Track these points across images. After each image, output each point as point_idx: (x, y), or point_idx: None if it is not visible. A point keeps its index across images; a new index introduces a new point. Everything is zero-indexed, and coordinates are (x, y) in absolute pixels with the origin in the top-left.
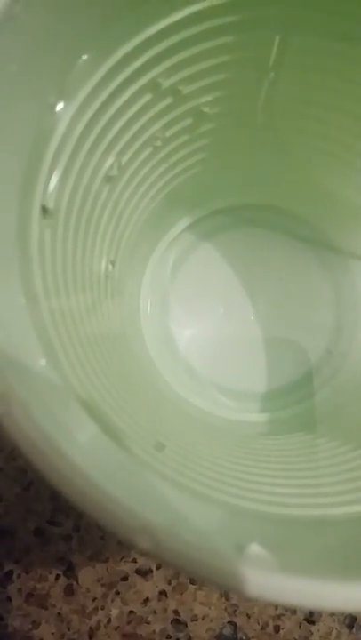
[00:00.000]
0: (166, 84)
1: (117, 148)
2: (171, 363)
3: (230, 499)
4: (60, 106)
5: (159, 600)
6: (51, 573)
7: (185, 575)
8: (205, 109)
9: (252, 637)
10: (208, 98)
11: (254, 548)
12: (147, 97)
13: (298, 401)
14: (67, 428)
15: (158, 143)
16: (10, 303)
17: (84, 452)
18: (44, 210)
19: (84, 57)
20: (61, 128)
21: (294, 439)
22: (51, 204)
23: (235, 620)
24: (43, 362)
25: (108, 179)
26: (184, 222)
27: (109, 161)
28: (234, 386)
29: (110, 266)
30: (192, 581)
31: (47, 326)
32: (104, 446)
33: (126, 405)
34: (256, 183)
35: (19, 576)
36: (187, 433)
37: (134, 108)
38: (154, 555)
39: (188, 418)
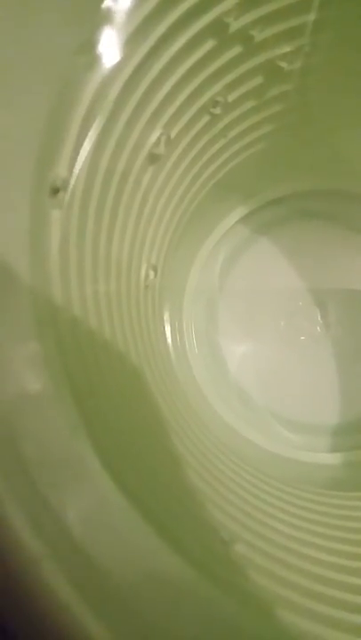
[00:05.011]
0: (235, 25)
1: (166, 117)
2: (220, 387)
3: None
4: (87, 56)
5: None
6: None
7: None
8: (282, 64)
9: None
10: (287, 48)
11: None
12: (208, 44)
13: None
14: None
15: (218, 110)
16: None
17: None
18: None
19: None
20: (91, 88)
21: None
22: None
23: None
24: None
25: (153, 157)
26: (236, 214)
27: (155, 134)
28: (298, 416)
29: (152, 273)
30: None
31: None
32: None
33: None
34: (334, 162)
35: None
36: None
37: (191, 60)
38: None
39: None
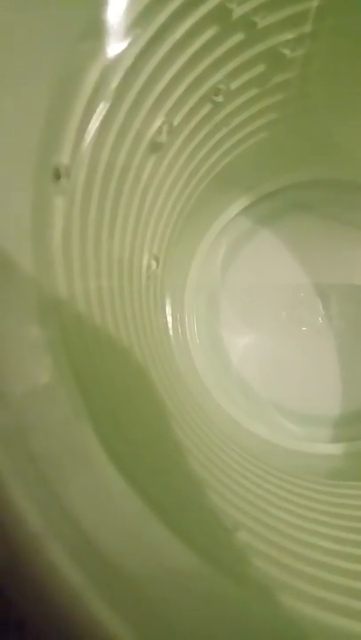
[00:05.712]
0: (238, 11)
1: (168, 105)
2: (222, 379)
3: None
4: (90, 42)
5: None
6: None
7: None
8: (285, 51)
9: None
10: (290, 35)
11: None
12: (211, 30)
13: None
14: None
15: (220, 98)
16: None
17: None
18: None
19: None
20: (93, 75)
21: None
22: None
23: None
24: None
25: (155, 146)
26: (237, 206)
27: (157, 122)
28: (299, 407)
29: (154, 263)
30: None
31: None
32: None
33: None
34: (336, 153)
35: None
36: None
37: (194, 47)
38: None
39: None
